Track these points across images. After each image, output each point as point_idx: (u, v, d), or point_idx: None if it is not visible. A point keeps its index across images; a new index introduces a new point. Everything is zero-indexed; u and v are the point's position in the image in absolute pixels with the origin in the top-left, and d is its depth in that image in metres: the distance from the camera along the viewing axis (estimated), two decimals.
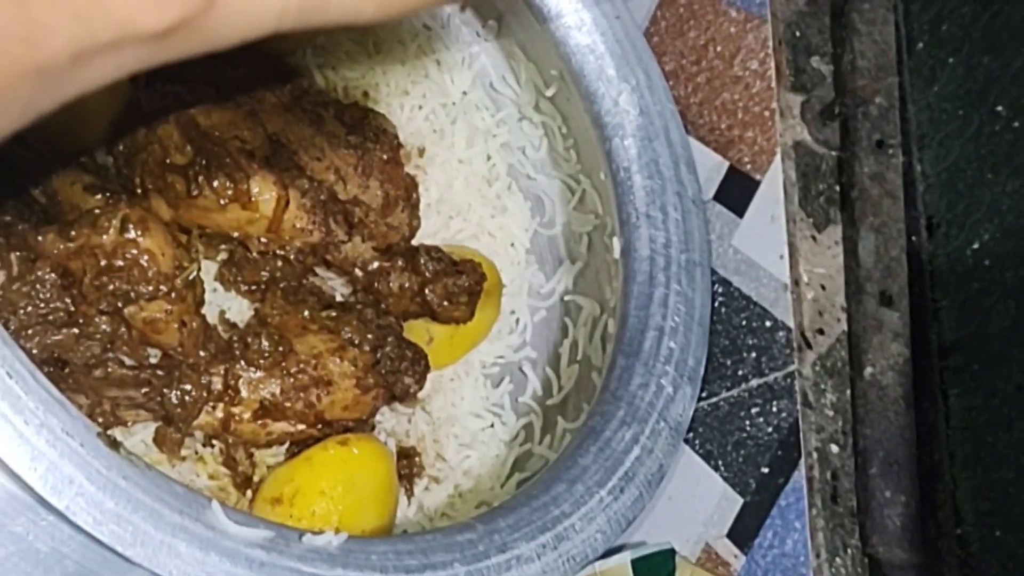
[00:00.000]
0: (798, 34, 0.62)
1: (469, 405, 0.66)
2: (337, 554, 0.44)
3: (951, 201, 0.56)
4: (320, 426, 0.56)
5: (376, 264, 0.60)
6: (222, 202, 0.54)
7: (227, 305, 0.59)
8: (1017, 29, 0.53)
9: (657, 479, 0.54)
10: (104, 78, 0.28)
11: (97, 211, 0.50)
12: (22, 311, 0.49)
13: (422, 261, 0.60)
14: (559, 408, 0.66)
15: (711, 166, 0.64)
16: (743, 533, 0.57)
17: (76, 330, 0.50)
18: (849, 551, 0.55)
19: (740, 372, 0.60)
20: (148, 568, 0.40)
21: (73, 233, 0.50)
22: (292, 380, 0.54)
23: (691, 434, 0.61)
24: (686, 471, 0.61)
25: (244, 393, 0.53)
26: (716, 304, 0.61)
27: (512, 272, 0.69)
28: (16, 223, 0.51)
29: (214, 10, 0.27)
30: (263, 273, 0.57)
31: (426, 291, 0.60)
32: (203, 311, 0.54)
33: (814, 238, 0.59)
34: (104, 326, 0.51)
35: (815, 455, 0.56)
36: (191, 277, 0.52)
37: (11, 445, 0.39)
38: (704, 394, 0.60)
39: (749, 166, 0.62)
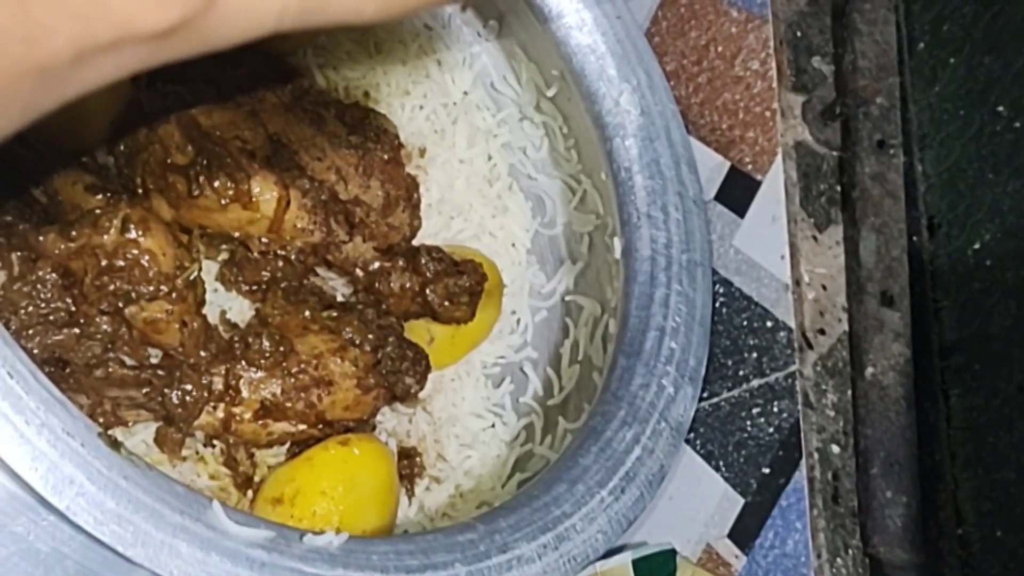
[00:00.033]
0: (799, 34, 0.62)
1: (470, 405, 0.66)
2: (338, 554, 0.44)
3: (952, 201, 0.56)
4: (321, 426, 0.56)
5: (377, 264, 0.60)
6: (223, 202, 0.54)
7: (228, 305, 0.59)
8: (1018, 29, 0.53)
9: (658, 479, 0.53)
10: (105, 78, 0.28)
11: (98, 211, 0.50)
12: (23, 311, 0.49)
13: (423, 261, 0.60)
14: (560, 408, 0.66)
15: (712, 166, 0.64)
16: (744, 533, 0.57)
17: (77, 330, 0.50)
18: (850, 551, 0.55)
19: (741, 372, 0.60)
20: (149, 568, 0.40)
21: (74, 233, 0.50)
22: (293, 380, 0.54)
23: (692, 434, 0.61)
24: (687, 471, 0.61)
25: (245, 393, 0.53)
26: (717, 304, 0.61)
27: (513, 272, 0.69)
28: (17, 223, 0.51)
29: (214, 10, 0.27)
30: (264, 273, 0.57)
31: (427, 291, 0.60)
32: (204, 311, 0.54)
33: (815, 238, 0.59)
34: (105, 326, 0.51)
35: (816, 455, 0.56)
36: (192, 277, 0.52)
37: (12, 445, 0.39)
38: (705, 394, 0.60)
39: (750, 166, 0.62)
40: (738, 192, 0.62)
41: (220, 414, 0.53)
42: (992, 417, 0.52)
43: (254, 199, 0.54)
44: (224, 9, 0.27)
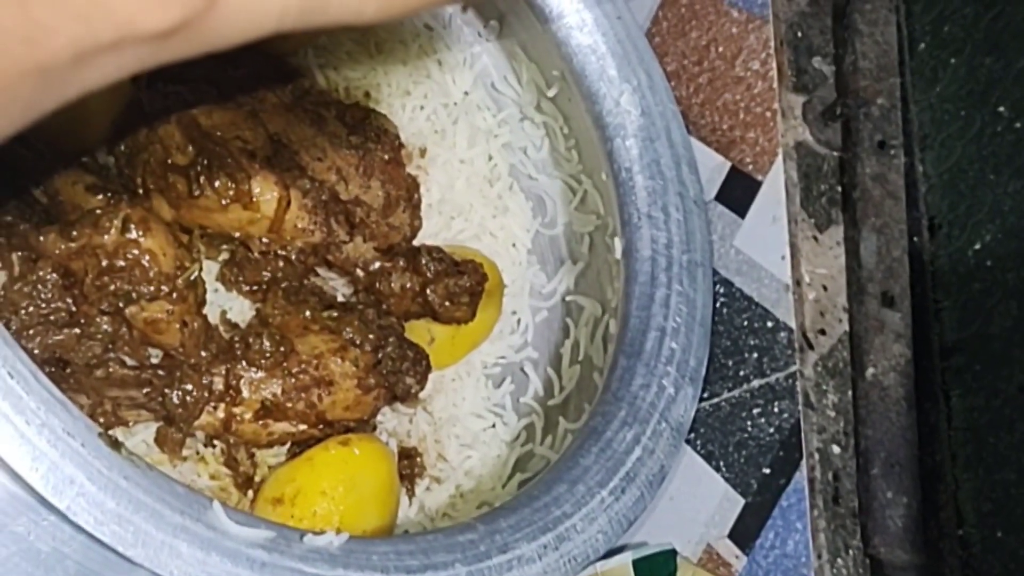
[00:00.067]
0: (800, 35, 0.62)
1: (470, 405, 0.66)
2: (338, 554, 0.44)
3: (953, 202, 0.56)
4: (321, 426, 0.56)
5: (377, 264, 0.60)
6: (223, 202, 0.54)
7: (228, 305, 0.59)
8: (1019, 30, 0.53)
9: (658, 480, 0.53)
10: (105, 78, 0.28)
11: (99, 211, 0.50)
12: (24, 311, 0.49)
13: (423, 261, 0.60)
14: (560, 408, 0.66)
15: (713, 167, 0.64)
16: (744, 534, 0.57)
17: (77, 330, 0.50)
18: (851, 552, 0.55)
19: (742, 373, 0.60)
20: (149, 568, 0.40)
21: (75, 233, 0.50)
22: (293, 380, 0.54)
23: (692, 435, 0.61)
24: (687, 472, 0.61)
25: (245, 393, 0.53)
26: (718, 305, 0.61)
27: (513, 272, 0.69)
28: (18, 223, 0.51)
29: (215, 10, 0.27)
30: (264, 273, 0.57)
31: (427, 291, 0.60)
32: (204, 311, 0.54)
33: (816, 239, 0.59)
34: (105, 326, 0.51)
35: (817, 456, 0.56)
36: (192, 277, 0.52)
37: (12, 445, 0.39)
38: (706, 395, 0.60)
39: (751, 167, 0.62)
40: (739, 192, 0.62)
41: (220, 414, 0.53)
42: (993, 418, 0.52)
43: (254, 199, 0.54)
44: (225, 9, 0.27)
